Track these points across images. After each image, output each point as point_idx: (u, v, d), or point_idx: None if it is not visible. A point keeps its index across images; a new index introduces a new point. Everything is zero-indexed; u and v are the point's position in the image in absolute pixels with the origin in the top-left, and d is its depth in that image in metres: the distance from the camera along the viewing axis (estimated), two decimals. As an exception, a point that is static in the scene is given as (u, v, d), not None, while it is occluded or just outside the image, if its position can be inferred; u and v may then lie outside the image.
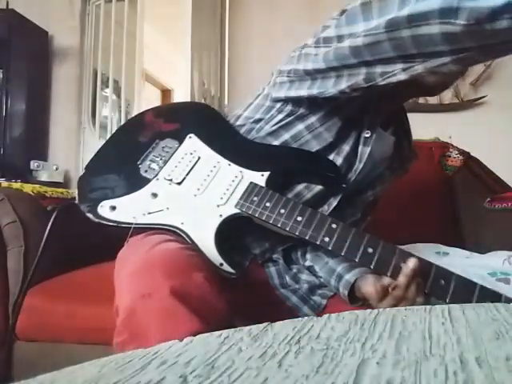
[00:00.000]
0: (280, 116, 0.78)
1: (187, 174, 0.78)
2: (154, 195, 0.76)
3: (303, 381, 0.22)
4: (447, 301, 0.60)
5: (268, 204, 0.71)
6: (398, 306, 0.63)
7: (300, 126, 0.77)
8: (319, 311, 0.76)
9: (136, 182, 0.78)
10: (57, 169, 2.62)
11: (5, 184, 1.82)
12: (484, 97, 2.41)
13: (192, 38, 2.39)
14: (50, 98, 2.81)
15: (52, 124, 2.80)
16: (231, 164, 0.78)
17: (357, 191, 0.84)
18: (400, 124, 0.88)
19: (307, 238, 0.67)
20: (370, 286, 0.67)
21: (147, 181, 0.78)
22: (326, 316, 0.34)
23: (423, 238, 1.33)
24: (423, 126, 2.39)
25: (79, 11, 2.80)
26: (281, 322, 0.33)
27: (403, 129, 0.89)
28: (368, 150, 0.78)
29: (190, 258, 0.59)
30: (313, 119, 0.77)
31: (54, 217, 0.85)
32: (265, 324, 0.32)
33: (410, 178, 1.51)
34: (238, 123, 0.84)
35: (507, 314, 0.34)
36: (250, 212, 0.72)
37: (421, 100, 2.47)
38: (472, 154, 1.52)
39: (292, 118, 0.77)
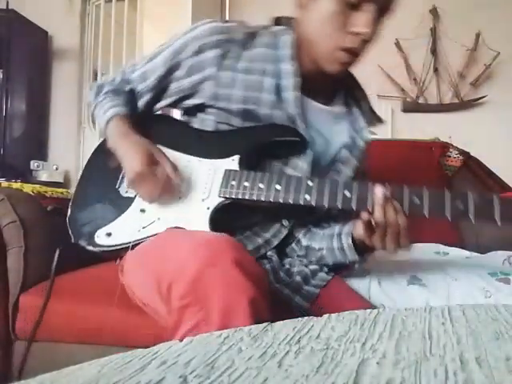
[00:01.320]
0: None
1: None
2: (143, 211, 0.79)
3: (303, 381, 0.22)
4: (427, 216, 0.66)
5: (246, 184, 0.74)
6: (389, 234, 0.67)
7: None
8: (312, 301, 0.77)
9: (121, 205, 0.81)
10: (57, 169, 2.62)
11: (5, 184, 1.82)
12: (484, 97, 2.42)
13: (192, 38, 2.38)
14: (50, 98, 2.81)
15: (52, 124, 2.80)
16: (201, 159, 0.80)
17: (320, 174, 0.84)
18: (348, 94, 0.89)
19: (291, 201, 0.71)
20: (359, 230, 0.71)
21: (131, 200, 0.81)
22: (325, 316, 0.34)
23: (423, 237, 1.33)
24: (423, 126, 2.41)
25: (79, 11, 2.80)
26: (281, 322, 0.33)
27: (352, 97, 0.89)
28: (303, 126, 0.80)
29: (233, 239, 0.64)
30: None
31: (57, 255, 0.88)
32: (265, 324, 0.32)
33: (410, 177, 1.51)
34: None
35: (507, 314, 0.34)
36: (233, 196, 0.74)
37: (421, 100, 2.47)
38: (472, 153, 1.52)
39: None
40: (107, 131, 0.81)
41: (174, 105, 0.87)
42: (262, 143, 0.81)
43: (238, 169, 0.77)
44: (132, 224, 0.78)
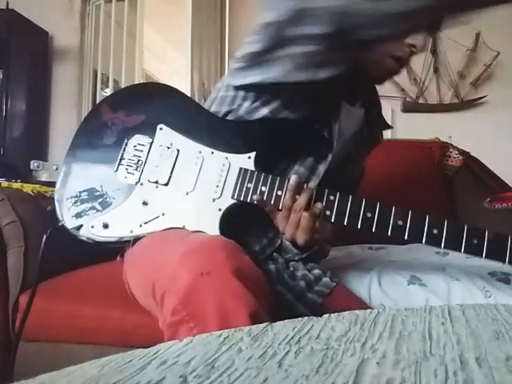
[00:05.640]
0: (246, 103, 0.76)
1: (171, 172, 0.74)
2: (145, 203, 0.72)
3: (303, 381, 0.22)
4: (442, 247, 0.67)
5: (264, 188, 0.70)
6: (290, 220, 0.68)
7: (264, 111, 0.76)
8: (315, 309, 0.74)
9: (121, 191, 0.74)
10: (57, 169, 2.61)
11: (5, 184, 1.82)
12: (484, 97, 2.41)
13: (192, 38, 2.39)
14: (50, 98, 2.81)
15: (52, 124, 2.80)
16: (214, 151, 0.74)
17: (329, 172, 0.82)
18: (368, 96, 0.89)
19: None
20: (279, 222, 0.70)
21: (131, 188, 0.74)
22: (326, 316, 0.34)
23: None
24: (423, 126, 2.40)
25: (79, 11, 2.80)
26: (281, 322, 0.33)
27: (371, 100, 0.90)
28: (336, 127, 0.78)
29: (233, 242, 0.60)
30: (276, 103, 0.76)
31: (45, 238, 0.78)
32: (265, 324, 0.32)
33: (410, 177, 1.51)
34: None
35: (507, 314, 0.34)
36: (248, 200, 0.71)
37: (421, 100, 2.47)
38: (472, 154, 1.52)
39: (258, 103, 0.76)
40: None
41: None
42: (282, 142, 0.75)
43: (253, 168, 0.72)
44: (133, 217, 0.71)
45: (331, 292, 0.77)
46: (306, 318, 0.34)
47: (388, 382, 0.22)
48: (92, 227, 0.72)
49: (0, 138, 2.45)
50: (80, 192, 0.75)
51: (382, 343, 0.28)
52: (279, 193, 0.69)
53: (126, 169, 0.75)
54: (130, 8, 2.73)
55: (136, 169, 0.75)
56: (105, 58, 2.77)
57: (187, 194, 0.72)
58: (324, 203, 0.68)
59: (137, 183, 0.74)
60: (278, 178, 0.70)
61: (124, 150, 0.76)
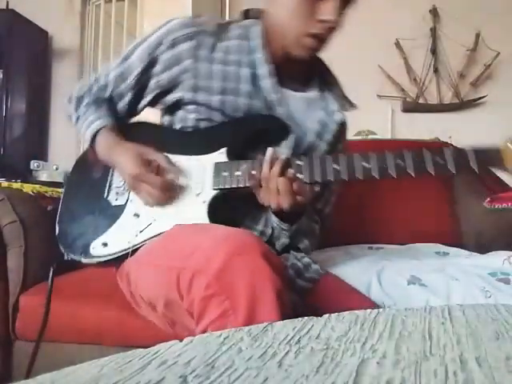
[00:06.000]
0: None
1: None
2: (137, 215, 0.79)
3: (303, 381, 0.22)
4: (413, 175, 0.69)
5: (238, 172, 0.76)
6: (270, 189, 0.72)
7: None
8: (303, 295, 0.77)
9: (113, 213, 0.80)
10: (57, 169, 2.62)
11: (5, 184, 1.82)
12: (484, 97, 2.41)
13: (192, 38, 2.38)
14: (50, 98, 2.81)
15: (52, 124, 2.80)
16: (189, 157, 0.81)
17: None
18: (321, 79, 0.91)
19: None
20: (262, 196, 0.74)
21: (122, 207, 0.81)
22: (326, 316, 0.34)
23: (423, 237, 1.33)
24: (423, 126, 2.40)
25: (79, 11, 2.80)
26: (281, 321, 0.33)
27: (325, 82, 0.91)
28: (281, 111, 0.82)
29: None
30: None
31: (52, 272, 0.83)
32: (265, 324, 0.32)
33: (409, 178, 1.51)
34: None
35: (507, 314, 0.34)
36: (227, 185, 0.76)
37: (421, 100, 2.47)
38: (472, 153, 1.52)
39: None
40: (96, 144, 0.82)
41: (153, 104, 0.88)
42: (246, 134, 0.82)
43: (227, 160, 0.79)
44: (128, 230, 0.78)
45: (321, 280, 0.80)
46: (305, 318, 0.34)
47: (388, 382, 0.22)
48: (93, 248, 0.78)
49: (0, 138, 2.45)
50: (78, 222, 0.82)
51: (381, 343, 0.28)
52: (253, 172, 0.75)
53: (116, 192, 0.83)
54: (130, 8, 2.74)
55: (124, 190, 0.82)
56: (105, 57, 2.77)
57: (174, 197, 0.78)
58: (294, 168, 0.74)
59: (127, 201, 0.81)
60: (249, 161, 0.77)
61: (111, 178, 0.85)
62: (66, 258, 0.83)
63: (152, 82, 0.84)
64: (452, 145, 1.54)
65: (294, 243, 0.85)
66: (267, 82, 0.81)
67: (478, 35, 2.39)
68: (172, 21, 0.82)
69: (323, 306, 0.74)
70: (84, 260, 0.78)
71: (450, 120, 2.43)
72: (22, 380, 0.22)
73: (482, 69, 2.40)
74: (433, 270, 0.96)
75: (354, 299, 0.79)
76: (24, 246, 0.97)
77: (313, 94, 0.89)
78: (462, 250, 1.22)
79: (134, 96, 0.86)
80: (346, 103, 0.91)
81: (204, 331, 0.55)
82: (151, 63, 0.82)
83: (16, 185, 1.64)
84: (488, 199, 1.33)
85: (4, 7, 2.46)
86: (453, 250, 1.22)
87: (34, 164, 2.51)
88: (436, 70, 2.46)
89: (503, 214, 1.28)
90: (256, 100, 0.82)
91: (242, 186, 0.76)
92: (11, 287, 0.96)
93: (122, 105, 0.87)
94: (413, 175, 0.70)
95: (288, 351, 0.27)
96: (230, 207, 0.80)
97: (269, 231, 0.84)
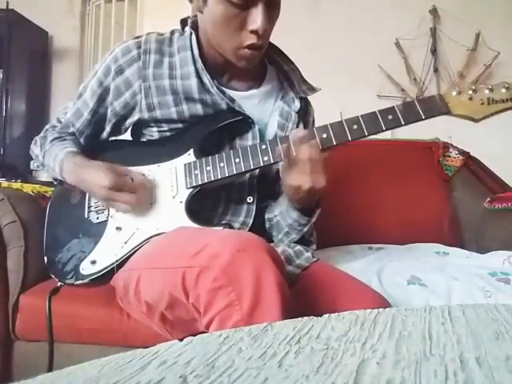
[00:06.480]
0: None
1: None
2: (119, 228, 0.81)
3: (303, 381, 0.22)
4: (366, 134, 0.75)
5: (208, 168, 0.79)
6: (308, 169, 0.72)
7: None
8: (291, 281, 0.77)
9: (97, 230, 0.82)
10: (57, 169, 2.62)
11: (5, 184, 1.82)
12: (484, 97, 2.41)
13: (192, 38, 2.38)
14: (50, 98, 2.81)
15: (52, 124, 2.80)
16: (159, 164, 0.84)
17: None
18: (279, 69, 0.92)
19: (252, 167, 0.77)
20: (291, 181, 0.74)
21: (104, 224, 0.83)
22: (326, 316, 0.34)
23: (423, 237, 1.33)
24: (423, 126, 2.40)
25: (79, 11, 2.80)
26: (281, 321, 0.33)
27: (282, 71, 0.92)
28: (236, 106, 0.83)
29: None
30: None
31: (47, 300, 0.89)
32: (265, 324, 0.32)
33: (410, 178, 1.51)
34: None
35: (507, 314, 0.34)
36: (200, 182, 0.79)
37: (421, 100, 2.47)
38: (472, 154, 1.52)
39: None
40: (63, 171, 0.83)
41: (116, 132, 0.90)
42: (210, 131, 0.84)
43: (195, 159, 0.81)
44: (113, 244, 0.80)
45: (309, 266, 0.81)
46: (305, 318, 0.34)
47: (388, 382, 0.22)
48: (82, 269, 0.79)
49: (0, 138, 2.45)
50: (65, 249, 0.84)
51: (381, 343, 0.28)
52: (221, 164, 0.78)
53: (96, 211, 0.85)
54: (130, 8, 2.74)
55: (103, 207, 0.84)
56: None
57: (151, 204, 0.81)
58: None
59: (107, 217, 0.83)
60: (217, 155, 0.80)
61: (89, 199, 0.87)
62: (58, 285, 0.87)
63: (109, 111, 0.86)
64: (452, 145, 1.55)
65: (304, 238, 0.87)
66: (214, 90, 0.82)
67: (478, 35, 2.39)
68: (116, 48, 0.84)
69: (309, 292, 0.74)
70: (76, 282, 0.80)
71: (450, 120, 2.43)
72: (22, 380, 0.22)
73: (481, 69, 2.40)
74: (433, 270, 0.96)
75: (341, 283, 0.78)
76: (24, 246, 0.97)
77: (269, 86, 0.89)
78: (462, 250, 1.22)
79: (93, 129, 0.89)
80: (307, 88, 0.90)
81: (210, 322, 0.58)
82: (103, 94, 0.85)
83: (16, 185, 1.64)
84: (488, 199, 1.33)
85: (4, 7, 2.45)
86: (453, 250, 1.22)
87: (34, 164, 2.51)
88: (436, 70, 2.46)
89: (503, 214, 1.28)
90: (211, 107, 0.83)
91: (213, 179, 0.78)
92: (11, 287, 0.96)
93: (83, 140, 0.90)
94: (366, 134, 0.75)
95: (288, 351, 0.27)
96: (209, 204, 0.83)
97: (249, 221, 0.85)
